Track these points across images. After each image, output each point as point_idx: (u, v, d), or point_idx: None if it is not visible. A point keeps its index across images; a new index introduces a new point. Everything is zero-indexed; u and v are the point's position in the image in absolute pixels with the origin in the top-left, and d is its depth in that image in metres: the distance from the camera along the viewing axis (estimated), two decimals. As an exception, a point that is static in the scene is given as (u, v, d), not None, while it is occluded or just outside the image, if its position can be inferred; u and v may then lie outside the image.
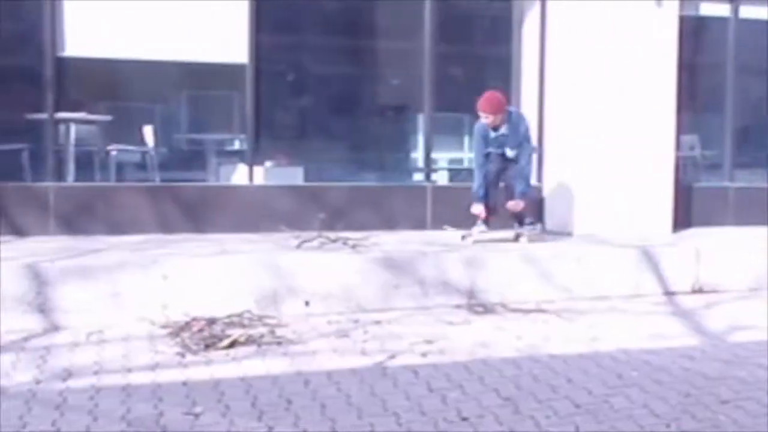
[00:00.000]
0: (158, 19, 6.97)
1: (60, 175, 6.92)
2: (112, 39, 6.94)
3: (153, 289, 5.49)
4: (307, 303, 5.70)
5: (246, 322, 5.35)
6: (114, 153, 7.44)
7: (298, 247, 6.22)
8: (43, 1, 6.65)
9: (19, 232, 6.52)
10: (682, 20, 7.66)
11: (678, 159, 7.94)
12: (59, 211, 6.64)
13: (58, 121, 6.89)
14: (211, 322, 5.26)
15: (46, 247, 6.01)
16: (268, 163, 7.69)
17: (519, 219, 6.96)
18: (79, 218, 6.69)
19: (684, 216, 7.89)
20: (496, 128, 6.62)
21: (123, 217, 6.78)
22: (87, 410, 3.86)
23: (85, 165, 7.35)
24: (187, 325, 5.21)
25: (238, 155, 7.97)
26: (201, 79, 7.92)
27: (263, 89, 7.31)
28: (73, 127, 7.17)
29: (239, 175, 7.55)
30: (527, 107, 7.90)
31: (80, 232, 6.61)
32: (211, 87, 8.11)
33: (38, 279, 5.28)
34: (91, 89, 7.69)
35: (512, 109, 6.85)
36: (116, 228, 6.71)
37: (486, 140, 6.70)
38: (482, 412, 3.90)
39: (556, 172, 7.72)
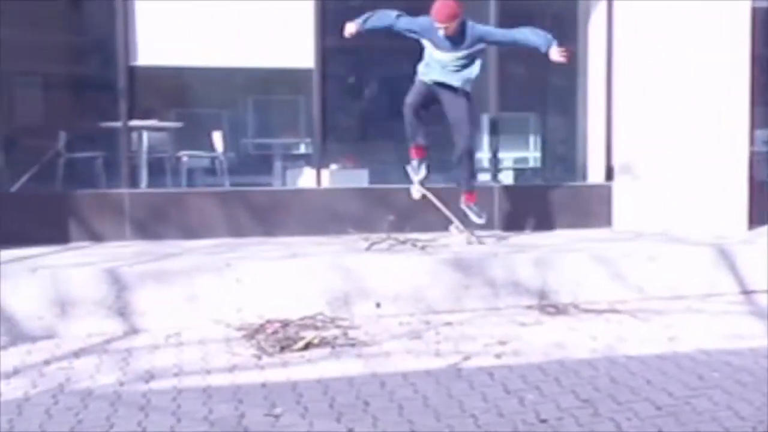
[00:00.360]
0: (226, 27, 7.08)
1: (134, 182, 7.08)
2: (182, 47, 7.07)
3: (227, 292, 5.60)
4: (378, 305, 5.73)
5: (319, 324, 5.41)
6: (185, 159, 7.62)
7: (368, 249, 6.25)
8: (116, 13, 6.81)
9: (96, 237, 6.70)
10: (755, 12, 7.47)
11: (752, 154, 7.74)
12: (134, 216, 6.81)
13: (131, 129, 7.05)
14: (285, 324, 5.33)
15: (123, 252, 6.17)
16: (333, 166, 7.75)
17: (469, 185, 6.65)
18: (152, 223, 6.84)
19: (759, 213, 7.68)
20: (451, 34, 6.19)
21: (195, 222, 6.91)
22: (170, 411, 3.95)
23: (157, 171, 7.53)
24: (261, 328, 5.30)
25: (305, 159, 8.07)
26: (268, 84, 8.04)
27: (329, 93, 7.37)
28: (145, 135, 7.35)
29: (306, 178, 7.63)
30: (595, 105, 7.81)
31: (154, 236, 6.76)
32: (277, 92, 8.23)
33: (118, 283, 5.42)
34: (161, 97, 7.88)
35: (466, 19, 6.25)
36: (188, 232, 6.84)
37: (434, 36, 6.15)
38: (561, 414, 3.87)
39: (626, 169, 7.61)
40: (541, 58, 8.47)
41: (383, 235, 6.46)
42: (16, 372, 4.55)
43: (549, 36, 6.21)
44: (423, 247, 6.27)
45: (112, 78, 6.91)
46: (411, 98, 6.53)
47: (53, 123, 7.81)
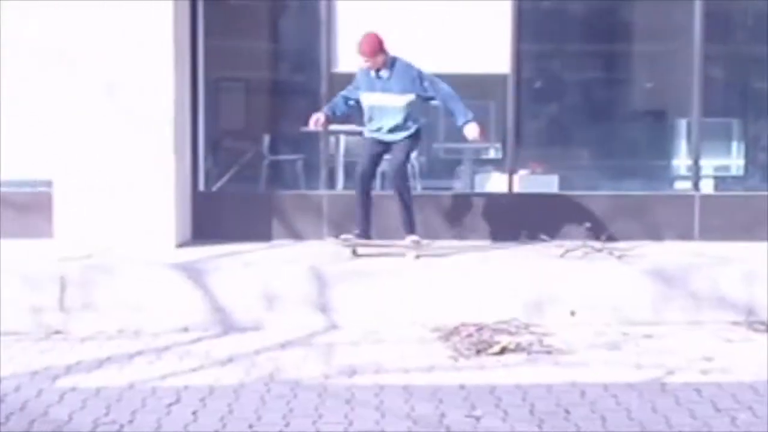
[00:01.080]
0: (422, 34, 7.20)
1: (331, 184, 7.37)
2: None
3: (422, 293, 5.72)
4: (572, 313, 5.65)
5: (513, 329, 5.41)
6: (378, 162, 7.81)
7: (562, 256, 6.17)
8: (319, 23, 7.12)
9: (296, 236, 7.02)
10: None
11: None
12: (331, 217, 7.07)
13: (330, 133, 7.34)
14: (480, 327, 5.37)
15: (322, 251, 6.42)
16: (522, 172, 7.70)
17: (410, 226, 6.22)
18: (348, 224, 7.06)
19: None
20: (377, 71, 6.13)
21: (386, 224, 7.03)
22: (374, 406, 4.09)
23: (352, 174, 7.76)
24: (456, 330, 5.37)
25: (494, 163, 8.06)
26: (460, 89, 7.99)
27: (523, 98, 7.34)
28: (342, 139, 7.63)
29: (494, 183, 7.63)
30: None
31: (348, 237, 6.98)
32: (469, 97, 8.23)
33: (320, 280, 5.67)
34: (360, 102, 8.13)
35: (396, 56, 6.21)
36: (382, 233, 6.98)
37: (366, 81, 6.18)
38: (779, 438, 3.66)
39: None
40: (747, 62, 8.07)
41: (578, 243, 6.35)
42: (230, 360, 4.88)
43: (470, 113, 6.15)
44: (620, 256, 6.11)
45: (314, 84, 7.23)
46: (360, 167, 6.35)
47: (257, 126, 8.26)
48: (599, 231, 6.74)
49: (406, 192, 6.26)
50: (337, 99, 6.44)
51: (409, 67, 6.20)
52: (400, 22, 7.21)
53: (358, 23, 7.17)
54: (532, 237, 6.78)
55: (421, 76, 6.17)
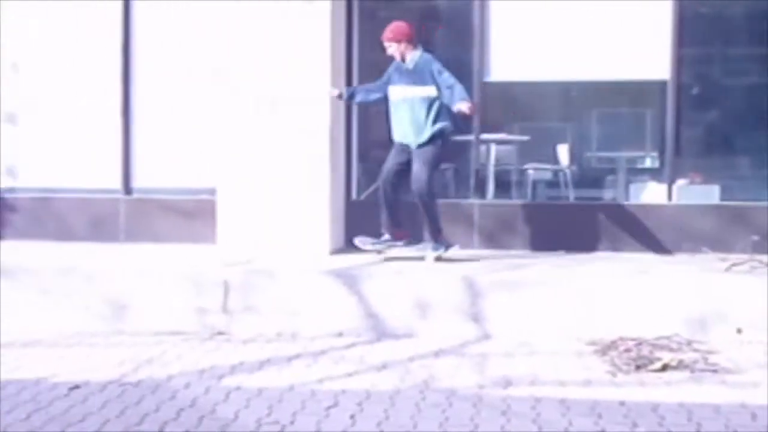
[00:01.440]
0: (577, 42, 7.10)
1: (482, 193, 7.37)
2: (531, 63, 7.22)
3: (575, 305, 5.59)
4: (739, 330, 5.36)
5: (674, 345, 5.20)
6: (530, 172, 7.75)
7: (727, 270, 5.88)
8: (473, 33, 7.14)
9: (446, 244, 7.03)
10: None
11: None
12: (482, 226, 7.07)
13: (481, 142, 7.34)
14: (638, 342, 5.19)
15: (473, 260, 6.41)
16: (680, 182, 7.42)
17: (432, 236, 6.32)
18: (499, 233, 7.05)
19: None
20: (402, 62, 6.22)
21: (539, 234, 7.00)
22: (530, 419, 4.02)
23: (504, 183, 7.75)
24: (613, 344, 5.21)
25: (649, 173, 7.81)
26: (614, 97, 7.90)
27: (683, 105, 7.07)
28: (493, 148, 7.61)
29: (651, 193, 7.38)
30: None
31: (500, 246, 6.96)
32: (623, 104, 8.06)
33: (472, 290, 5.66)
34: (510, 111, 8.10)
35: (425, 51, 6.29)
36: (533, 244, 6.95)
37: (395, 74, 6.25)
38: None
39: None
40: None
41: (744, 256, 6.04)
42: (384, 366, 4.94)
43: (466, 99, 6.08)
44: (791, 272, 5.76)
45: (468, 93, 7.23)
46: (382, 175, 6.39)
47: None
48: (765, 244, 6.39)
49: (431, 205, 6.30)
50: (360, 86, 6.64)
51: (430, 60, 6.24)
52: (555, 27, 7.14)
53: (512, 33, 7.15)
54: (693, 249, 6.52)
55: (441, 70, 6.17)
